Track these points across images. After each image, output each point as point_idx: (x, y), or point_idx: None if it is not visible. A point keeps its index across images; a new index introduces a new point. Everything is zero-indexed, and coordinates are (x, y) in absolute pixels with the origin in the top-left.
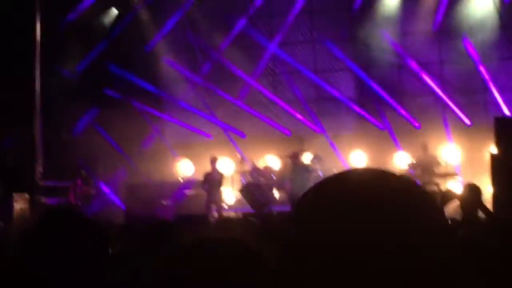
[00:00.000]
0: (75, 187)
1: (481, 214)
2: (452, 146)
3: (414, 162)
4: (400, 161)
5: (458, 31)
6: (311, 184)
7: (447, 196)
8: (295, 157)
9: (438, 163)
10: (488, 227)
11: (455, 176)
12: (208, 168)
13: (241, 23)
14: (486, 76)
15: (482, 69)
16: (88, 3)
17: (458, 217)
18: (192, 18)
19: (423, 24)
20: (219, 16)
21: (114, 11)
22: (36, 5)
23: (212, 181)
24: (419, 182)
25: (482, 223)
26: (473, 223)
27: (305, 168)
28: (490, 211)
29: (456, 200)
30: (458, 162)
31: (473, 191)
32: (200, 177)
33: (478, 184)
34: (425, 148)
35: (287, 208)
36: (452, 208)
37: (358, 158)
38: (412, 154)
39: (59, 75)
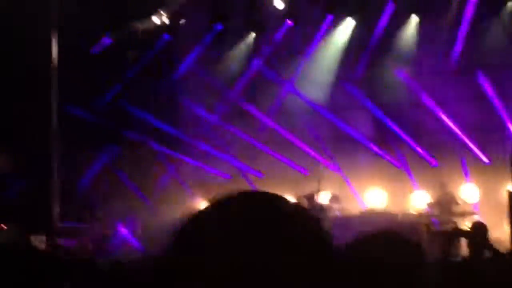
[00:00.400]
0: (92, 228)
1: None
2: (470, 184)
3: (432, 201)
4: (418, 199)
5: (475, 68)
6: (328, 224)
7: (455, 234)
8: (311, 198)
9: (456, 202)
10: (494, 264)
11: (473, 215)
12: None
13: (258, 61)
14: (504, 114)
15: (499, 106)
16: (109, 42)
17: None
18: (210, 57)
19: (440, 62)
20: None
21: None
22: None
23: None
24: (436, 220)
25: (489, 260)
26: (480, 261)
27: (322, 209)
28: (496, 249)
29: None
30: (476, 201)
31: (480, 229)
32: None
33: (496, 222)
34: (443, 186)
35: None
36: (461, 246)
37: (375, 196)
38: (430, 192)
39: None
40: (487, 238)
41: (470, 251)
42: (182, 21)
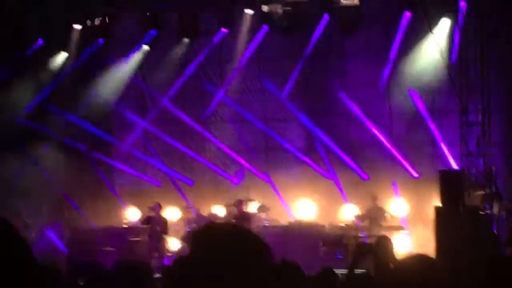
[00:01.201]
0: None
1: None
2: (399, 198)
3: (361, 214)
4: (347, 212)
5: (406, 84)
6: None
7: (361, 249)
8: (239, 206)
9: (385, 216)
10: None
11: (402, 229)
12: (152, 213)
13: (191, 68)
14: (434, 130)
15: (430, 122)
16: (38, 45)
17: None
18: (142, 63)
19: (373, 76)
20: (169, 61)
21: (64, 54)
22: None
23: (155, 227)
24: (365, 233)
25: (392, 274)
26: (384, 275)
27: (248, 217)
28: (399, 262)
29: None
30: (404, 215)
31: (384, 243)
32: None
33: (423, 237)
34: (374, 199)
35: None
36: (368, 261)
37: (304, 208)
38: (360, 205)
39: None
40: (391, 252)
41: (375, 265)
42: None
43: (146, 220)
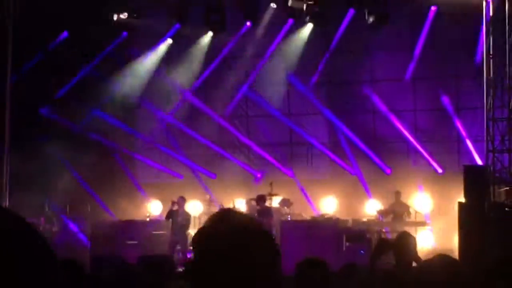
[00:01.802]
0: (38, 225)
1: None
2: (423, 194)
3: (383, 209)
4: (371, 207)
5: (432, 80)
6: (273, 228)
7: (382, 245)
8: (260, 200)
9: (408, 211)
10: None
11: (425, 225)
12: (175, 207)
13: (215, 63)
14: (459, 125)
15: (455, 118)
16: (63, 38)
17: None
18: (166, 56)
19: (398, 71)
20: (193, 54)
21: (89, 47)
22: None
23: (178, 221)
24: (388, 229)
25: (414, 271)
26: (406, 271)
27: (270, 212)
28: (421, 259)
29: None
30: (428, 211)
31: (405, 239)
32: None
33: (447, 233)
34: (397, 195)
35: None
36: (389, 256)
37: (328, 203)
38: (383, 200)
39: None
40: (413, 249)
41: (396, 261)
42: (138, 18)
43: (170, 214)
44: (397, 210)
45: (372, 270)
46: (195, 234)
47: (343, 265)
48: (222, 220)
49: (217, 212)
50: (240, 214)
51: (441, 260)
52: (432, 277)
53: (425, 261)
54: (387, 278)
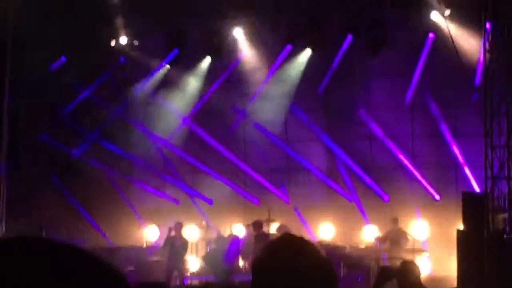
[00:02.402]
0: None
1: None
2: (421, 221)
3: (381, 235)
4: (368, 234)
5: (430, 105)
6: None
7: (385, 273)
8: (257, 226)
9: (406, 238)
10: None
11: (423, 252)
12: (172, 233)
13: (213, 88)
14: (457, 152)
15: (453, 144)
16: (61, 63)
17: None
18: (163, 82)
19: (396, 97)
20: (191, 79)
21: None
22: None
23: (175, 247)
24: (386, 255)
25: None
26: None
27: (266, 237)
28: None
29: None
30: (426, 238)
31: (409, 268)
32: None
33: (445, 260)
34: (395, 221)
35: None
36: (391, 285)
37: (325, 229)
38: (381, 227)
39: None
40: (417, 277)
41: None
42: (136, 43)
43: (167, 241)
44: (394, 237)
45: None
46: (255, 260)
47: None
48: (285, 247)
49: (278, 239)
50: (302, 240)
51: None
52: None
53: None
54: None
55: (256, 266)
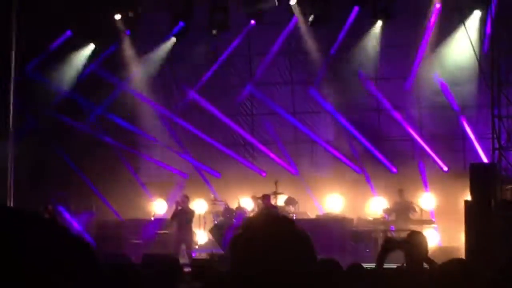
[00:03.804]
0: None
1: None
2: (428, 192)
3: (389, 207)
4: (376, 206)
5: (436, 77)
6: None
7: (389, 244)
8: (265, 199)
9: (414, 210)
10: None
11: (431, 223)
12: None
13: (219, 61)
14: (465, 123)
15: (460, 115)
16: (66, 37)
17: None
18: (170, 54)
19: (402, 69)
20: (197, 53)
21: (91, 46)
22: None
23: (182, 219)
24: (394, 228)
25: (425, 272)
26: (417, 273)
27: (274, 210)
28: (433, 261)
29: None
30: (434, 209)
31: (417, 239)
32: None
33: (452, 231)
34: (401, 193)
35: None
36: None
37: (333, 202)
38: (388, 199)
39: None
40: (425, 249)
41: (406, 261)
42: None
43: (174, 215)
44: (401, 209)
45: (380, 269)
46: (233, 236)
47: (349, 265)
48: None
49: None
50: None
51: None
52: (449, 281)
53: (442, 264)
54: (396, 278)
55: (232, 241)
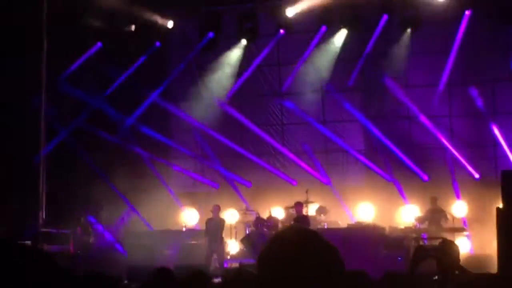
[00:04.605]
0: (75, 235)
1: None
2: (460, 200)
3: (420, 215)
4: (407, 214)
5: (468, 84)
6: None
7: (421, 252)
8: (297, 206)
9: (446, 217)
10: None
11: (463, 231)
12: (210, 216)
13: (249, 70)
14: (496, 130)
15: (492, 123)
16: (96, 49)
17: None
18: (200, 64)
19: (433, 77)
20: (227, 63)
21: (122, 57)
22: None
23: (213, 229)
24: (426, 235)
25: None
26: (449, 281)
27: (304, 219)
28: (465, 269)
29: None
30: (465, 217)
31: (449, 247)
32: (204, 225)
33: (485, 239)
34: (434, 201)
35: None
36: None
37: (365, 210)
38: (420, 207)
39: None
40: (456, 257)
41: (438, 269)
42: (170, 25)
43: (208, 224)
44: (433, 216)
45: (412, 277)
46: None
47: (383, 274)
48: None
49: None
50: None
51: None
52: None
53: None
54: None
55: (260, 256)
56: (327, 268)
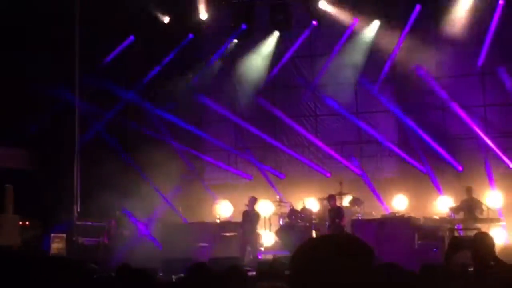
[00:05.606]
0: (109, 228)
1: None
2: (495, 190)
3: (455, 206)
4: (442, 205)
5: (502, 73)
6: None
7: (456, 243)
8: (331, 200)
9: (481, 208)
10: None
11: (499, 221)
12: (244, 207)
13: (282, 62)
14: None
15: None
16: (129, 42)
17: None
18: (233, 57)
19: (466, 66)
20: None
21: (154, 50)
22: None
23: (249, 221)
24: (461, 226)
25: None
26: (485, 274)
27: (338, 210)
28: (500, 260)
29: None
30: (501, 207)
31: (483, 239)
32: (238, 217)
33: None
34: (469, 191)
35: None
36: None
37: (399, 201)
38: (455, 197)
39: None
40: (491, 249)
41: (474, 261)
42: (204, 17)
43: (244, 215)
44: (468, 207)
45: (449, 268)
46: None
47: (420, 266)
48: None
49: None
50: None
51: None
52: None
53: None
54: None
55: (293, 258)
56: (361, 272)
